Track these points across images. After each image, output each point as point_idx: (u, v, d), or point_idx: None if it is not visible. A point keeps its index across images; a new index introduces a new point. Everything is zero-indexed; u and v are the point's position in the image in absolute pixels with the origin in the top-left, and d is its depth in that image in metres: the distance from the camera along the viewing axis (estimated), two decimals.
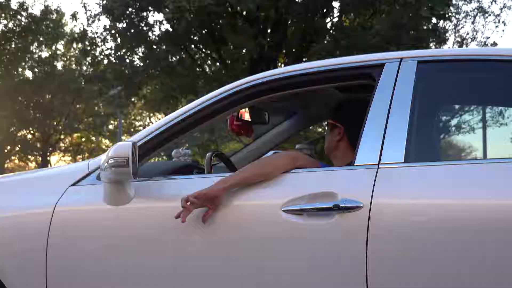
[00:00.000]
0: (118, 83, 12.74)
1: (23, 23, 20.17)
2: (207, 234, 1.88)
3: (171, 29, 11.82)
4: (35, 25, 20.34)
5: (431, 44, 12.55)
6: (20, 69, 21.44)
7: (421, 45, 11.15)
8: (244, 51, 11.78)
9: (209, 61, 14.50)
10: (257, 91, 2.10)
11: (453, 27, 16.53)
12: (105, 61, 13.37)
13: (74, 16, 14.89)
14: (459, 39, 16.79)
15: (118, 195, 1.97)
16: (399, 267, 1.69)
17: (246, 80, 2.11)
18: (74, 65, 21.27)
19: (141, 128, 28.99)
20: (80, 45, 13.88)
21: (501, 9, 23.02)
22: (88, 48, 13.23)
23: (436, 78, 2.07)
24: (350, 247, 1.74)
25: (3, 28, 20.03)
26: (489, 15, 16.60)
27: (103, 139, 28.35)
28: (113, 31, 12.39)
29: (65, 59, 22.40)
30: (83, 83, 17.03)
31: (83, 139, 26.18)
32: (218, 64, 13.36)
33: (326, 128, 2.40)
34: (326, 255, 1.76)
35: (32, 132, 23.62)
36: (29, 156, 24.86)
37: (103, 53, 13.36)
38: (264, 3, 10.85)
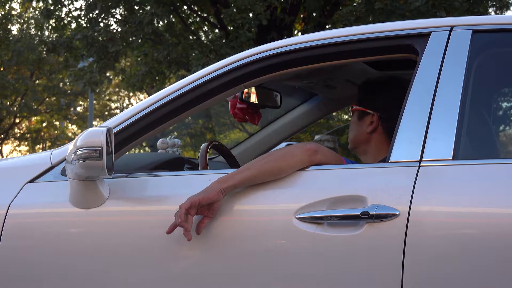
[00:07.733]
0: (90, 53, 12.75)
1: None
2: (201, 247, 1.88)
3: None
4: None
5: (490, 10, 12.48)
6: None
7: (477, 11, 11.09)
8: (250, 14, 11.75)
9: (205, 27, 14.48)
10: (267, 66, 2.10)
11: None
12: (73, 25, 13.36)
13: None
14: None
15: (88, 195, 1.98)
16: None
17: (254, 51, 2.12)
18: (33, 30, 21.27)
19: (117, 111, 29.06)
20: (41, 4, 13.89)
21: None
22: (52, 7, 13.23)
23: (496, 53, 2.06)
24: (382, 266, 1.74)
25: None
26: None
27: (69, 125, 28.44)
28: None
29: (22, 21, 22.43)
30: (44, 52, 17.04)
31: (44, 124, 26.27)
32: (217, 31, 13.34)
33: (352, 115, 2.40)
34: (350, 275, 1.77)
35: None
36: None
37: (70, 15, 13.36)
38: None
